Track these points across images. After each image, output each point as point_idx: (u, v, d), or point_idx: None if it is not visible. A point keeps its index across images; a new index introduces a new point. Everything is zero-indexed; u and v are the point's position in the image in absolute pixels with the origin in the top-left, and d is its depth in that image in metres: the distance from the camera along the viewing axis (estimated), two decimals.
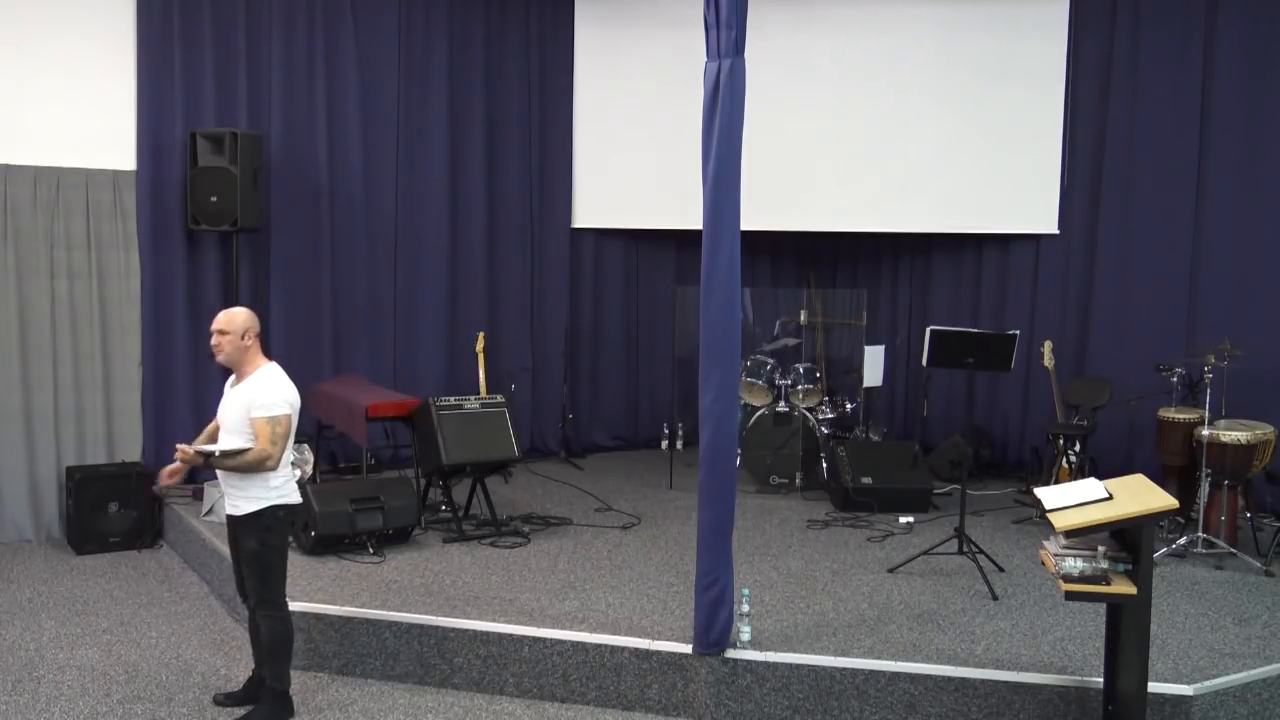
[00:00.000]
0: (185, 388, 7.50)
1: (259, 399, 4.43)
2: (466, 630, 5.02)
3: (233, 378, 4.60)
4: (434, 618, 5.11)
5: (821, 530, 6.89)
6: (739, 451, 7.21)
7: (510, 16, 8.76)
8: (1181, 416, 6.78)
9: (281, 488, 4.53)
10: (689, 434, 8.95)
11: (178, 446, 4.40)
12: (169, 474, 4.63)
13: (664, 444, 9.28)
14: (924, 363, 7.71)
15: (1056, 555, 4.14)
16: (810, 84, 8.58)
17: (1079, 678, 4.56)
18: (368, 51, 8.12)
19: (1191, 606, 5.49)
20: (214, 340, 4.52)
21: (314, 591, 5.43)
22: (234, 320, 4.51)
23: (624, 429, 9.47)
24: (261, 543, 4.49)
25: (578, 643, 4.90)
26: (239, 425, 4.46)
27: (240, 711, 4.65)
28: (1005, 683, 4.57)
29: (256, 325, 4.56)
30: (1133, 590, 4.00)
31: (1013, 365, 7.65)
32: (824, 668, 4.66)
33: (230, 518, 4.59)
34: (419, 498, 6.65)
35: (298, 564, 5.79)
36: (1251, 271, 7.62)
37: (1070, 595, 4.07)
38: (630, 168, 8.90)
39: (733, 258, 4.56)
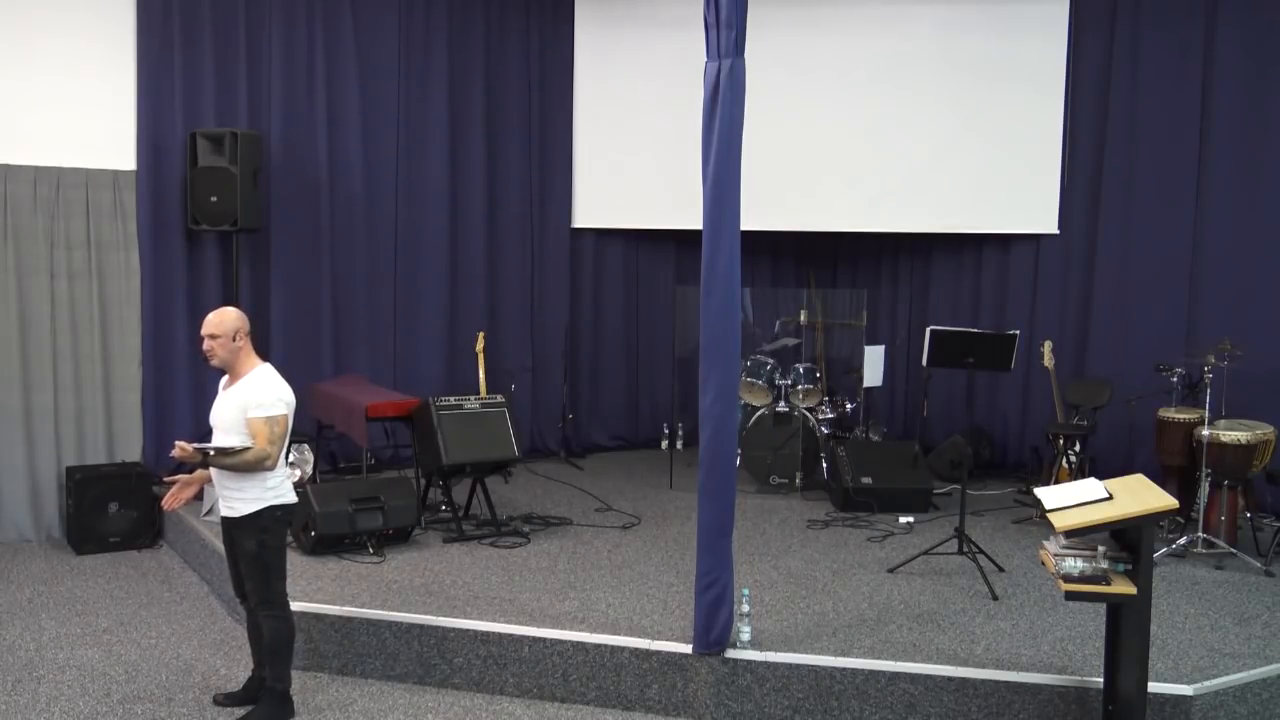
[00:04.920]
0: (185, 388, 7.50)
1: (255, 399, 4.42)
2: (466, 630, 5.02)
3: (225, 379, 4.60)
4: (434, 618, 5.11)
5: (821, 530, 6.89)
6: (739, 451, 7.21)
7: (510, 16, 8.77)
8: (1181, 416, 6.78)
9: (278, 488, 4.53)
10: (689, 434, 8.95)
11: (177, 443, 4.37)
12: (174, 498, 4.58)
13: (664, 444, 9.29)
14: (924, 363, 7.72)
15: (1056, 555, 4.14)
16: (810, 84, 8.58)
17: (1079, 678, 4.56)
18: (368, 51, 8.13)
19: (1191, 606, 5.49)
20: (205, 345, 4.51)
21: (314, 591, 5.43)
22: (224, 323, 4.49)
23: (624, 429, 9.47)
24: (260, 543, 4.49)
25: (578, 643, 4.90)
26: (235, 426, 4.45)
27: (240, 711, 4.65)
28: (1005, 683, 4.57)
29: (246, 325, 4.53)
30: (1133, 590, 4.00)
31: (1013, 365, 7.67)
32: (824, 668, 4.66)
33: (226, 519, 4.57)
34: (419, 498, 6.65)
35: (298, 564, 5.79)
36: (1251, 271, 7.62)
37: (1070, 595, 4.07)
38: (630, 168, 8.90)
39: (733, 258, 4.56)
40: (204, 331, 4.51)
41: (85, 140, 7.19)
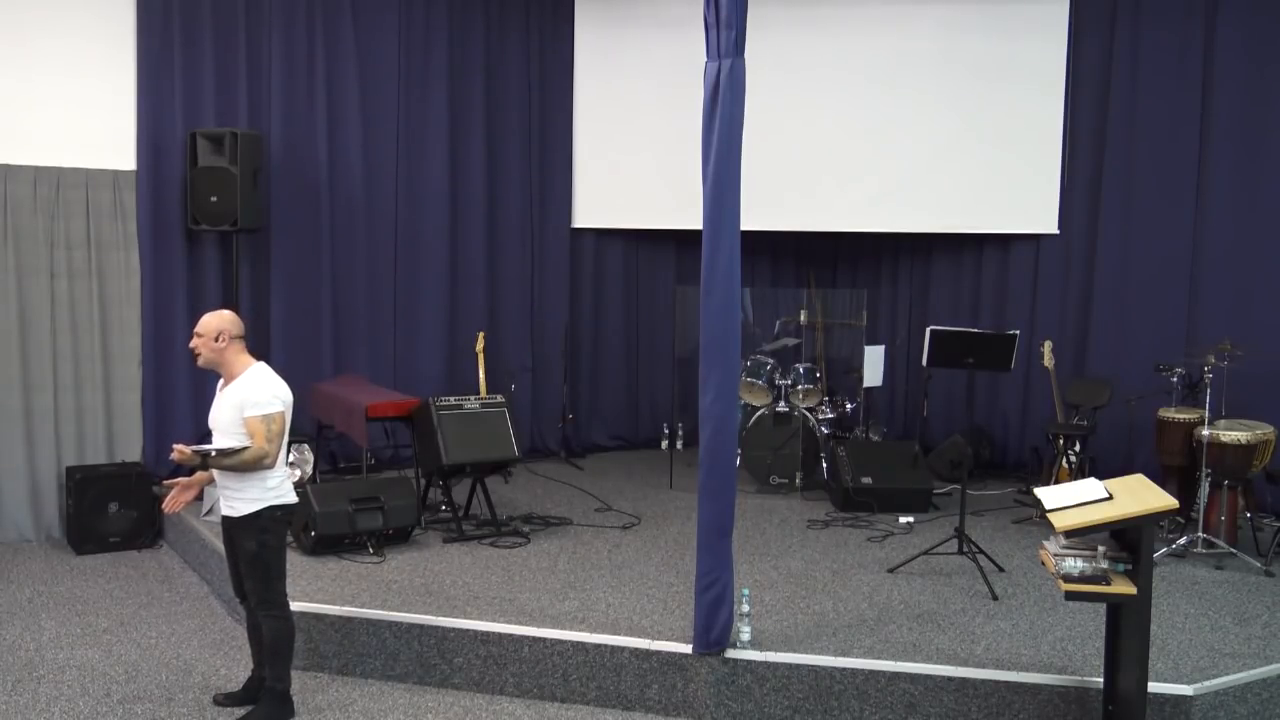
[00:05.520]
0: (185, 388, 7.50)
1: (250, 398, 4.42)
2: (466, 630, 5.02)
3: (221, 380, 4.60)
4: (434, 618, 5.11)
5: (821, 530, 6.89)
6: (739, 451, 7.21)
7: (510, 16, 8.77)
8: (1181, 416, 6.78)
9: (278, 487, 4.53)
10: (689, 434, 8.95)
11: (175, 446, 4.37)
12: (174, 501, 4.59)
13: (664, 444, 9.29)
14: (924, 363, 7.73)
15: (1056, 555, 4.14)
16: (810, 84, 8.58)
17: (1079, 678, 4.56)
18: (368, 51, 8.13)
19: (1191, 606, 5.49)
20: (192, 343, 4.54)
21: (314, 591, 5.43)
22: (207, 323, 4.51)
23: (624, 429, 9.47)
24: (260, 543, 4.49)
25: (578, 643, 4.90)
26: (232, 427, 4.45)
27: (240, 711, 4.65)
28: (1005, 683, 4.57)
29: (234, 328, 4.52)
30: (1133, 590, 4.00)
31: (1013, 365, 7.67)
32: (824, 668, 4.67)
33: (226, 519, 4.57)
34: (419, 498, 6.65)
35: (298, 564, 5.80)
36: (1251, 271, 7.62)
37: (1070, 595, 4.07)
38: (630, 168, 8.90)
39: (733, 258, 4.56)
40: (195, 330, 4.54)
41: (85, 140, 7.19)
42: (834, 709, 4.65)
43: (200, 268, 7.62)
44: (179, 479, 4.63)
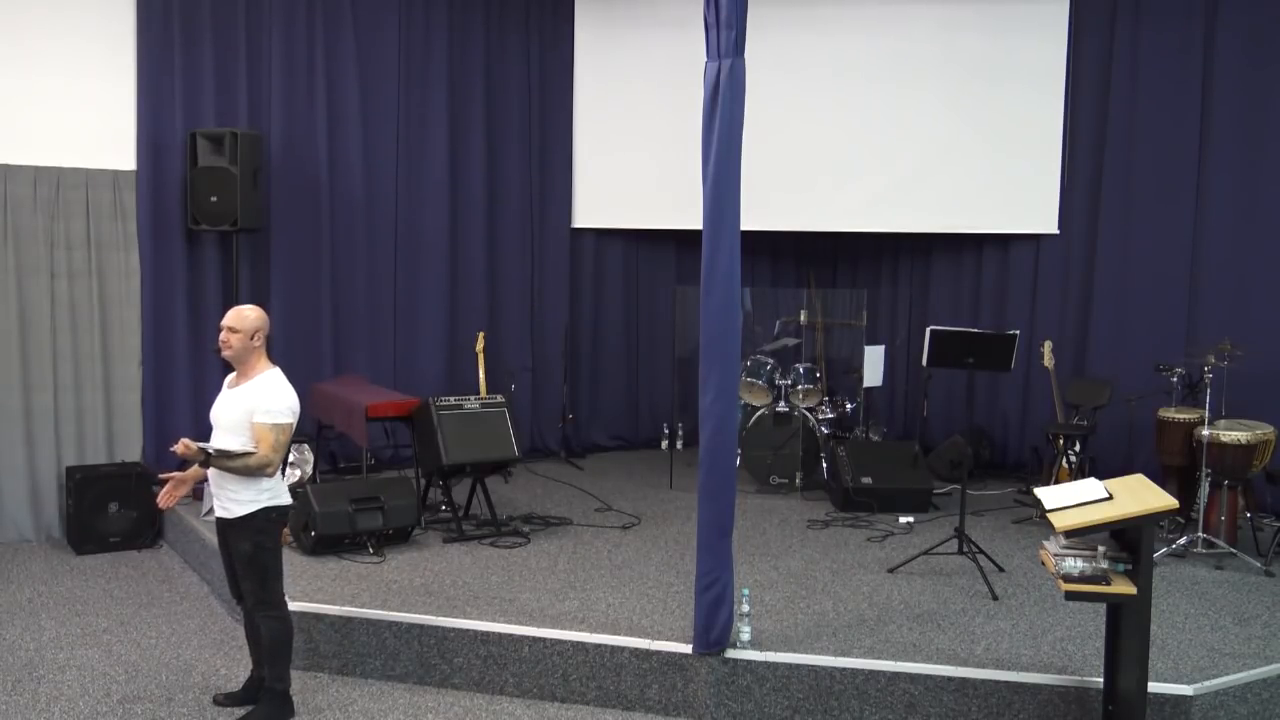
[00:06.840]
0: (185, 388, 7.50)
1: (264, 404, 4.41)
2: (466, 630, 5.02)
3: (232, 376, 4.59)
4: (434, 618, 5.11)
5: (821, 530, 6.89)
6: (739, 451, 7.21)
7: (510, 17, 8.77)
8: (1181, 416, 6.78)
9: (273, 489, 4.51)
10: (689, 434, 8.96)
11: (181, 440, 4.36)
12: (169, 495, 4.57)
13: (664, 444, 9.29)
14: (924, 363, 7.72)
15: (1056, 555, 4.14)
16: (810, 84, 8.58)
17: (1079, 678, 4.56)
18: (368, 51, 8.13)
19: (1191, 606, 5.49)
20: (223, 336, 4.50)
21: (314, 591, 5.43)
22: (246, 319, 4.50)
23: (624, 429, 9.47)
24: (256, 545, 4.48)
25: (578, 643, 4.90)
26: (238, 426, 4.45)
27: (240, 711, 4.65)
28: (1005, 683, 4.57)
29: (267, 327, 4.55)
30: (1133, 590, 4.00)
31: (1013, 365, 7.67)
32: (824, 668, 4.67)
33: (220, 520, 4.56)
34: (419, 498, 6.65)
35: (298, 564, 5.80)
36: (1251, 271, 7.62)
37: (1070, 595, 4.07)
38: (630, 168, 8.90)
39: (733, 258, 4.56)
40: (226, 323, 4.51)
41: (85, 140, 7.19)
42: (834, 709, 4.65)
43: (200, 268, 7.62)
44: (174, 474, 4.62)
